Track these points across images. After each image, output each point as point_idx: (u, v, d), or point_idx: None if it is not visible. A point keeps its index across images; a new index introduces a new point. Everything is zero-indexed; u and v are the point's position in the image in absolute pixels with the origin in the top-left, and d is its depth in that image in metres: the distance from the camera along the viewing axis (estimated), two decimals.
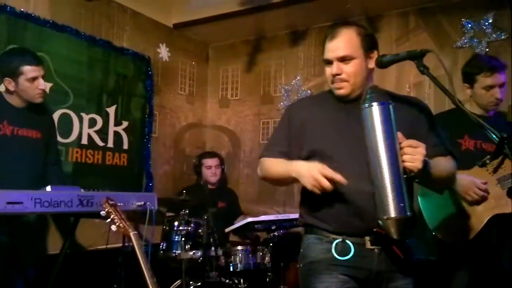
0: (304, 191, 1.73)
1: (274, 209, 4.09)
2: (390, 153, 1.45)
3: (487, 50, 3.38)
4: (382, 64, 1.70)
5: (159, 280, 1.93)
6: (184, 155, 4.49)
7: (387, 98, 1.50)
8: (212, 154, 4.07)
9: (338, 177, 1.52)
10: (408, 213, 1.45)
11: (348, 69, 1.67)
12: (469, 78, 2.50)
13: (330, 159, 1.61)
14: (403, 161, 1.46)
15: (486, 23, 3.42)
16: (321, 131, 1.66)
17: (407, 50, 1.73)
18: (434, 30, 3.64)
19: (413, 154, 1.47)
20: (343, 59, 1.67)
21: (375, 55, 1.70)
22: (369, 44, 1.69)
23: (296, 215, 1.88)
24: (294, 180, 1.64)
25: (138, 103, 4.04)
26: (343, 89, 1.69)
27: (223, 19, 4.09)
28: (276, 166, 1.72)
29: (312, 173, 1.53)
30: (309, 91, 4.18)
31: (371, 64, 1.70)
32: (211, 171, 3.93)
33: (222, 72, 4.73)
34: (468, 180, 2.30)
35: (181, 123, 4.52)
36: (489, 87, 2.43)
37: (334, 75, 1.69)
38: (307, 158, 1.67)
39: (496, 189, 2.33)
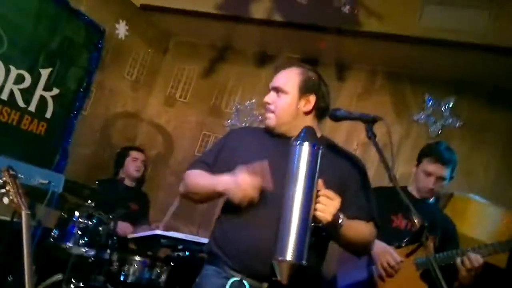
0: (223, 214, 1.82)
1: (187, 228, 4.13)
2: (305, 195, 1.55)
3: (439, 132, 3.68)
4: (335, 117, 1.86)
5: (39, 268, 1.92)
6: (110, 144, 4.44)
7: (319, 142, 1.62)
8: (140, 149, 4.10)
9: (263, 182, 1.63)
10: (304, 262, 1.52)
11: (278, 101, 1.86)
12: (418, 158, 2.74)
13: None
14: (315, 209, 1.57)
15: (446, 106, 3.73)
16: (248, 161, 1.76)
17: (367, 107, 1.87)
18: (396, 96, 3.91)
19: (326, 205, 1.58)
20: (277, 90, 1.87)
21: (311, 99, 1.85)
22: (307, 87, 1.86)
23: (207, 241, 1.95)
24: (218, 195, 1.74)
25: (77, 73, 3.99)
26: (269, 120, 1.88)
27: (195, 16, 4.16)
28: (201, 178, 1.81)
29: (239, 185, 1.64)
30: (260, 117, 4.31)
31: (306, 107, 1.85)
32: (136, 164, 3.94)
33: (177, 69, 4.77)
34: (385, 247, 2.47)
35: (117, 108, 4.49)
36: (428, 174, 2.62)
37: (265, 103, 1.90)
38: None
39: (409, 270, 2.49)
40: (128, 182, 3.93)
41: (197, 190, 1.83)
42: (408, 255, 2.49)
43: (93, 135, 4.31)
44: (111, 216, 3.05)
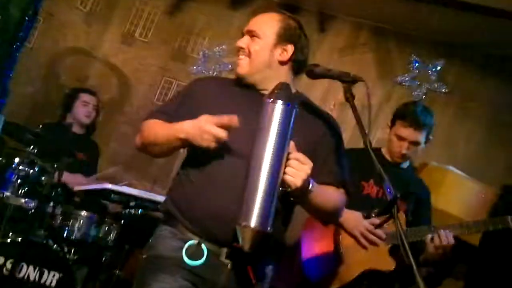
0: (183, 171, 1.83)
1: (140, 183, 4.14)
2: (274, 158, 1.55)
3: (423, 97, 3.76)
4: (313, 74, 1.87)
5: None
6: (57, 83, 4.36)
7: (294, 101, 1.62)
8: (92, 92, 4.02)
9: (226, 120, 1.64)
10: (269, 229, 1.54)
11: (252, 45, 1.86)
12: (393, 119, 2.75)
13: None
14: (284, 173, 1.58)
15: (433, 69, 3.81)
16: (216, 112, 1.74)
17: (348, 63, 1.89)
18: (381, 55, 3.96)
19: (297, 169, 1.59)
20: (251, 34, 1.87)
21: (289, 49, 1.85)
22: (285, 36, 1.85)
23: (163, 199, 1.97)
24: (181, 144, 1.75)
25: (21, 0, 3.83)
26: (241, 67, 1.88)
27: None
28: (160, 128, 1.80)
29: (202, 126, 1.65)
30: (230, 65, 4.28)
31: (282, 56, 1.85)
32: (87, 109, 3.88)
33: (138, 3, 4.63)
34: (357, 216, 2.52)
35: (67, 42, 4.38)
36: (400, 138, 2.65)
37: (239, 47, 1.89)
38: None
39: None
40: (76, 129, 3.87)
41: (156, 141, 1.82)
42: (376, 227, 2.54)
43: (38, 71, 4.23)
44: (55, 165, 3.02)
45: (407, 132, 2.63)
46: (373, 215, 2.52)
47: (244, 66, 1.87)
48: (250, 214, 1.53)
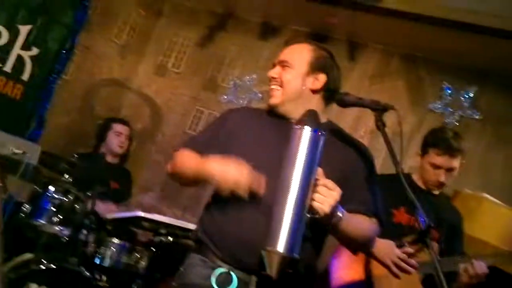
0: (214, 200, 1.85)
1: (171, 211, 4.17)
2: (302, 183, 1.55)
3: (456, 124, 3.71)
4: (343, 103, 1.89)
5: (8, 245, 1.95)
6: (92, 114, 4.45)
7: (321, 127, 1.63)
8: (125, 122, 4.10)
9: (253, 183, 1.65)
10: (295, 255, 1.53)
11: (284, 75, 1.89)
12: (423, 147, 2.72)
13: None
14: (312, 199, 1.58)
15: (466, 96, 3.76)
16: (247, 142, 1.80)
17: (379, 91, 1.89)
18: (412, 82, 3.95)
19: (325, 196, 1.58)
20: (283, 64, 1.90)
21: (321, 78, 1.87)
22: (318, 65, 1.88)
23: (193, 226, 1.98)
24: (204, 181, 1.75)
25: (59, 32, 3.97)
26: (275, 98, 1.89)
27: None
28: (191, 161, 1.82)
29: (227, 176, 1.65)
30: (260, 94, 4.32)
31: (314, 84, 1.87)
32: (119, 139, 3.94)
33: (171, 35, 4.75)
34: (388, 244, 2.42)
35: (102, 74, 4.49)
36: (436, 166, 2.63)
37: (271, 77, 1.92)
38: None
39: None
40: (109, 158, 3.95)
41: (185, 173, 1.85)
42: (409, 256, 2.44)
43: (74, 102, 4.32)
44: (89, 194, 3.07)
45: (442, 160, 2.61)
46: (406, 244, 2.48)
47: (277, 96, 1.89)
48: (277, 239, 1.53)
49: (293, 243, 1.53)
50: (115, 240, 3.22)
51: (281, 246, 1.52)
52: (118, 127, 4.00)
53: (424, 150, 2.70)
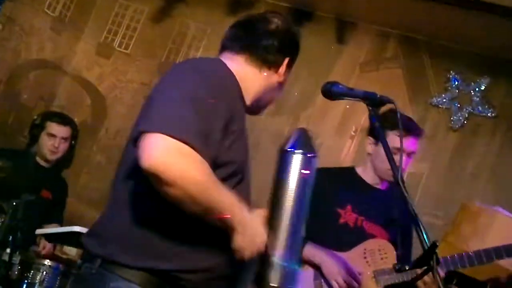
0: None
1: None
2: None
3: (465, 122, 3.76)
4: (331, 93, 1.90)
5: None
6: (18, 103, 4.39)
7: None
8: (64, 120, 3.94)
9: None
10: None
11: None
12: (374, 133, 2.75)
13: (241, 181, 1.75)
14: None
15: (476, 89, 3.81)
16: (242, 139, 1.76)
17: (373, 81, 1.92)
18: (412, 71, 3.98)
19: None
20: None
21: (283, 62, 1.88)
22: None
23: None
24: (214, 220, 1.61)
25: None
26: None
27: None
28: (217, 189, 1.59)
29: (257, 239, 1.66)
30: None
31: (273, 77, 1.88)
32: (52, 142, 3.81)
33: (118, 7, 4.70)
34: (335, 265, 2.65)
35: (30, 54, 4.42)
36: (397, 151, 2.59)
37: None
38: (230, 175, 1.70)
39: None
40: (40, 161, 3.88)
41: (199, 202, 1.55)
42: (412, 281, 2.57)
43: None
44: (14, 203, 3.02)
45: (406, 141, 2.71)
46: (406, 268, 2.53)
47: None
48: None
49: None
50: (47, 262, 3.17)
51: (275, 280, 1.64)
52: (53, 127, 3.85)
53: (376, 136, 2.75)
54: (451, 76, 3.88)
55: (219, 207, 1.58)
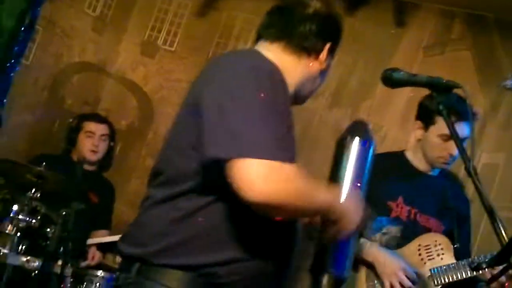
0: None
1: None
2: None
3: None
4: (391, 81, 1.88)
5: None
6: (62, 108, 4.46)
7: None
8: (100, 119, 4.05)
9: None
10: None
11: None
12: (426, 116, 2.79)
13: None
14: None
15: None
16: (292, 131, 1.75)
17: (438, 65, 1.90)
18: (482, 52, 3.88)
19: None
20: None
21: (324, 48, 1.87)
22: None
23: None
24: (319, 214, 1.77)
25: (15, 6, 3.96)
26: None
27: None
28: (317, 189, 1.68)
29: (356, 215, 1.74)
30: None
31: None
32: (91, 141, 3.89)
33: (161, 2, 4.74)
34: (394, 265, 2.63)
35: (73, 57, 4.48)
36: (447, 138, 2.66)
37: None
38: None
39: None
40: (85, 165, 3.93)
41: (305, 208, 1.68)
42: (490, 282, 2.57)
43: (38, 95, 4.31)
44: (63, 213, 3.06)
45: (457, 128, 2.63)
46: (484, 265, 2.48)
47: None
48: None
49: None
50: (100, 273, 3.22)
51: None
52: (90, 125, 3.95)
53: (427, 121, 2.78)
54: None
55: (322, 207, 1.69)
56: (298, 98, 1.90)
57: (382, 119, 3.91)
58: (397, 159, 2.89)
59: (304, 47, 1.83)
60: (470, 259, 2.66)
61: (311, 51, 1.84)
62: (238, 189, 1.51)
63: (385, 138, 3.81)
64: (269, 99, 1.59)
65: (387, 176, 2.70)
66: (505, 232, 1.63)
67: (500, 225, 1.61)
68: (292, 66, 1.82)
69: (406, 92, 3.78)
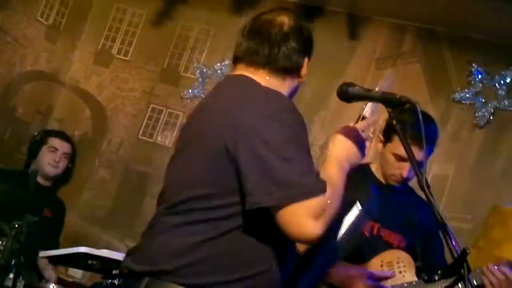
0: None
1: (124, 244, 4.15)
2: None
3: (490, 118, 3.76)
4: (347, 96, 1.96)
5: None
6: (13, 117, 4.45)
7: None
8: (66, 137, 4.09)
9: None
10: None
11: None
12: (386, 131, 2.81)
13: None
14: None
15: (501, 82, 3.81)
16: None
17: (388, 81, 1.95)
18: (432, 65, 3.99)
19: None
20: None
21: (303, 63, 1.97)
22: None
23: None
24: None
25: None
26: None
27: None
28: (336, 183, 1.83)
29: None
30: None
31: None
32: (53, 156, 3.92)
33: (115, 11, 4.75)
34: (359, 273, 2.63)
35: (25, 65, 4.48)
36: (401, 158, 2.70)
37: None
38: None
39: None
40: (41, 180, 3.95)
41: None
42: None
43: None
44: (16, 225, 3.06)
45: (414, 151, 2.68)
46: (436, 278, 2.54)
47: None
48: None
49: None
50: (52, 286, 3.22)
51: None
52: (54, 141, 4.00)
53: (387, 137, 2.79)
54: (474, 69, 3.87)
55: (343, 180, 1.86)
56: None
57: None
58: (362, 171, 2.86)
59: (288, 69, 1.92)
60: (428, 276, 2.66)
61: (294, 70, 1.94)
62: (294, 233, 1.66)
63: None
64: (300, 138, 1.76)
65: (350, 189, 2.70)
66: (456, 244, 1.70)
67: (451, 237, 1.69)
68: (279, 88, 1.89)
69: (360, 104, 3.87)
